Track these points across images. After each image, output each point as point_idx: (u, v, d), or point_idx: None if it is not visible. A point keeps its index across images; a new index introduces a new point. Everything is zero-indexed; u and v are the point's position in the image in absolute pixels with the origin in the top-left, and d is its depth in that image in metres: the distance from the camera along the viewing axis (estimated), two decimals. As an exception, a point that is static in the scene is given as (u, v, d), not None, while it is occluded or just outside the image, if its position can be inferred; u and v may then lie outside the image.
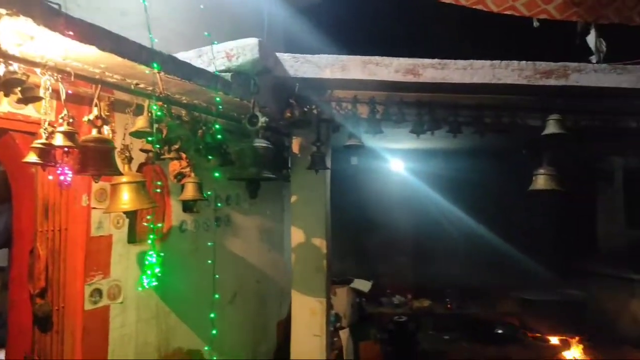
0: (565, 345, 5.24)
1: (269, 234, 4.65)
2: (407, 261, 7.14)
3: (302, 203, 3.56)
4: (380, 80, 3.03)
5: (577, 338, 5.28)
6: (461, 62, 2.93)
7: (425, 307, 6.33)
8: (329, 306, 3.83)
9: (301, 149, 3.58)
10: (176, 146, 2.70)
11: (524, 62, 2.88)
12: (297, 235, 3.54)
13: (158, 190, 2.65)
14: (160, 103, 2.30)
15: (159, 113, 2.19)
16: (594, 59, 3.01)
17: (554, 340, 5.35)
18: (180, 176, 2.99)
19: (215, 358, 2.68)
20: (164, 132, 2.38)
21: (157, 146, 2.24)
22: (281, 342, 4.59)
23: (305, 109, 3.22)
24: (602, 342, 5.32)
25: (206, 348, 2.87)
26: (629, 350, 5.02)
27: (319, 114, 3.25)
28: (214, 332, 2.70)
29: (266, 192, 4.45)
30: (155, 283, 2.35)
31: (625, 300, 5.42)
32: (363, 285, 6.46)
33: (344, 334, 5.02)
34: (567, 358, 5.05)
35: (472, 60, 2.92)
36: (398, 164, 6.67)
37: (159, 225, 2.76)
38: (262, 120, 2.66)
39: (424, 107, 3.26)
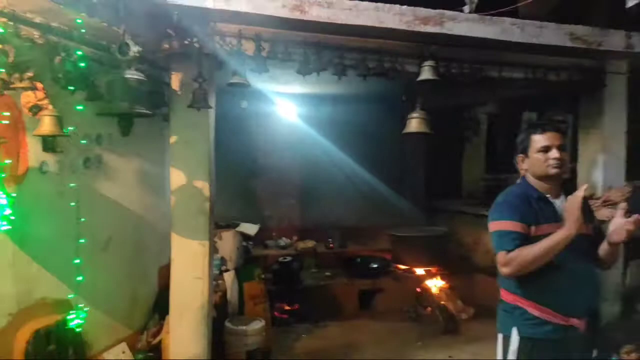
0: (429, 275, 5.91)
1: (149, 176, 4.38)
2: (293, 204, 7.31)
3: (183, 143, 3.37)
4: (267, 15, 2.91)
5: (438, 269, 5.97)
6: (347, 2, 2.92)
7: (309, 248, 6.61)
8: (212, 249, 3.78)
9: (182, 85, 3.34)
10: (29, 74, 2.35)
11: (405, 6, 2.96)
12: (177, 177, 3.37)
13: (6, 122, 2.29)
14: (4, 20, 1.96)
15: (1, 31, 1.85)
16: (467, 8, 3.19)
17: (420, 271, 5.99)
18: (35, 109, 2.63)
19: (81, 305, 2.51)
20: (11, 55, 2.04)
21: (2, 70, 1.91)
22: (162, 287, 4.47)
23: (186, 42, 2.99)
24: (459, 270, 6.10)
25: (71, 296, 2.66)
26: (481, 276, 5.83)
27: (201, 47, 3.04)
28: (79, 278, 2.52)
29: (145, 132, 4.13)
30: (7, 227, 2.08)
31: (480, 234, 6.21)
32: (250, 228, 6.50)
33: (228, 276, 5.06)
34: (429, 285, 5.71)
35: (357, 1, 2.92)
36: (287, 108, 6.64)
37: (7, 162, 2.41)
38: (135, 50, 2.41)
39: (311, 47, 3.23)
